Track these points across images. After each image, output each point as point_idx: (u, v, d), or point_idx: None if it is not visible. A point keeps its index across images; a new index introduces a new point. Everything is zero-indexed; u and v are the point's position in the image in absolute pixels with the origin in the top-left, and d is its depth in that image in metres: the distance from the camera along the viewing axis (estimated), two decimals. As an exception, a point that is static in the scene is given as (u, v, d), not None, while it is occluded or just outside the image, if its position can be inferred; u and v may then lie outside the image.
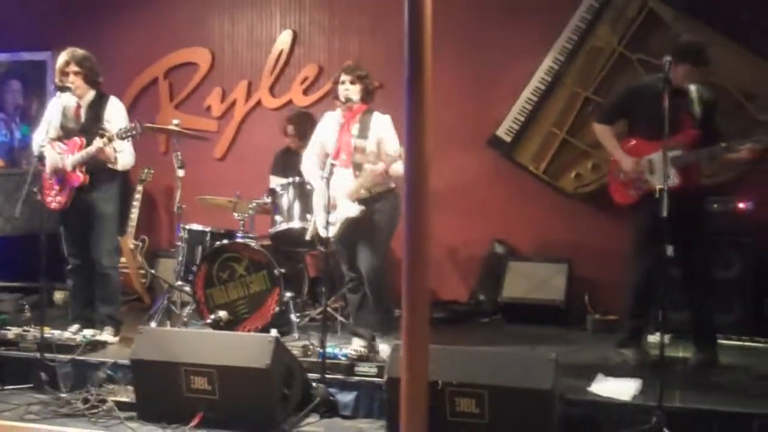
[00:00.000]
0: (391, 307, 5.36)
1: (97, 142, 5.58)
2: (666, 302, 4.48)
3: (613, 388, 4.54)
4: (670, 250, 4.45)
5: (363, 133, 5.32)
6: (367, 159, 5.28)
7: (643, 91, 5.28)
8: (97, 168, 5.73)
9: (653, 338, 5.46)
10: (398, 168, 5.06)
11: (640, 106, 5.25)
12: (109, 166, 5.75)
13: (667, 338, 4.69)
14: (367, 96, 5.39)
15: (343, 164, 5.29)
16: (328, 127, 5.44)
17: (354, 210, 5.25)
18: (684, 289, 5.29)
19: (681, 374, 4.98)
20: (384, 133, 5.30)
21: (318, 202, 5.36)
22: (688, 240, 5.02)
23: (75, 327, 5.81)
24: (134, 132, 5.57)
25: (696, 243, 5.15)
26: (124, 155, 5.76)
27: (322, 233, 5.16)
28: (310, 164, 5.52)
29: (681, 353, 5.51)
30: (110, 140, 5.60)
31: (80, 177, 5.70)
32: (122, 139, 5.61)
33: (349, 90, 5.32)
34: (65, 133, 5.80)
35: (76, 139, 5.73)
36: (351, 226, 5.28)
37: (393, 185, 5.34)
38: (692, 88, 5.19)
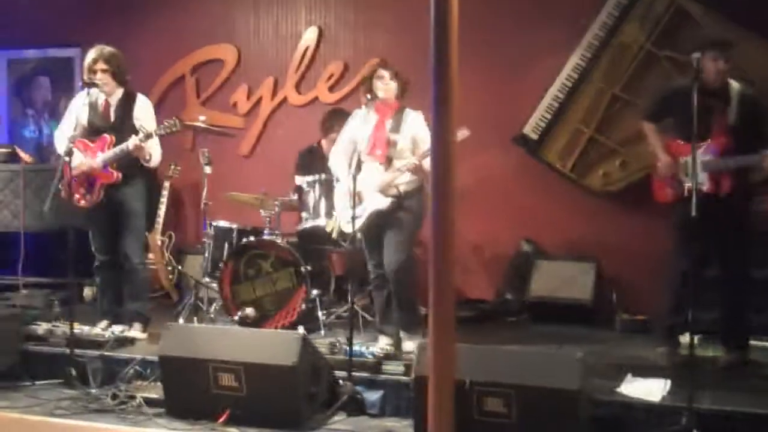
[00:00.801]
0: (418, 306, 5.35)
1: (134, 139, 5.61)
2: (697, 302, 4.43)
3: (642, 388, 4.51)
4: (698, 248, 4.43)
5: (396, 128, 5.34)
6: (399, 154, 5.29)
7: (679, 91, 5.20)
8: (128, 165, 5.76)
9: (683, 338, 5.41)
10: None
11: (678, 106, 5.18)
12: (143, 163, 5.78)
13: (697, 338, 4.65)
14: (403, 93, 5.39)
15: (378, 159, 5.31)
16: (359, 123, 5.41)
17: (383, 202, 5.27)
18: (721, 290, 5.24)
19: (711, 375, 4.93)
20: (418, 129, 5.31)
21: (342, 198, 5.36)
22: (728, 241, 4.98)
23: (104, 323, 5.85)
24: (174, 128, 5.62)
25: (736, 244, 5.10)
26: (155, 152, 5.80)
27: (346, 229, 5.17)
28: (339, 160, 5.52)
29: (711, 353, 5.46)
30: (149, 137, 5.64)
31: (113, 174, 5.74)
32: (162, 135, 5.65)
33: (389, 85, 5.33)
34: (92, 130, 5.83)
35: (106, 136, 5.76)
36: (378, 221, 5.29)
37: (422, 184, 5.33)
38: (734, 90, 5.09)
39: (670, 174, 5.20)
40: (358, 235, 5.36)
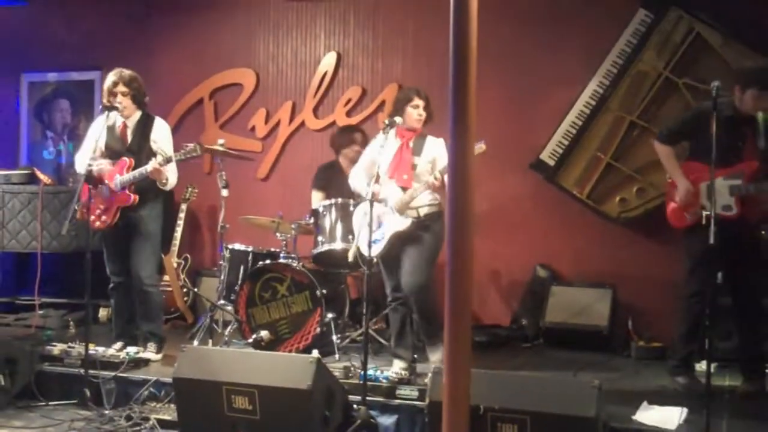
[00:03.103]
0: (439, 317, 5.31)
1: (153, 162, 5.64)
2: (713, 330, 4.40)
3: (658, 416, 4.47)
4: (719, 277, 4.40)
5: (417, 152, 5.37)
6: (418, 178, 5.31)
7: (704, 115, 5.10)
8: (145, 187, 5.80)
9: (699, 366, 5.37)
10: None
11: (703, 129, 5.12)
12: (159, 186, 5.81)
13: (713, 367, 4.61)
14: (429, 119, 5.44)
15: (403, 183, 5.32)
16: (379, 148, 5.34)
17: (403, 223, 5.27)
18: (734, 318, 5.21)
19: (728, 404, 4.89)
20: (438, 152, 5.34)
21: (361, 220, 5.36)
22: (744, 269, 4.96)
23: (119, 344, 5.86)
24: (194, 154, 5.65)
25: (751, 272, 5.08)
26: (172, 175, 5.84)
27: (366, 252, 5.17)
28: (360, 177, 5.53)
29: (728, 382, 5.42)
30: (168, 161, 5.67)
31: (130, 197, 5.76)
32: (182, 160, 5.69)
33: (422, 115, 5.39)
34: (110, 153, 5.87)
35: (125, 159, 5.80)
36: (397, 243, 5.30)
37: (442, 208, 5.33)
38: (760, 116, 5.06)
39: (689, 200, 5.17)
40: (375, 259, 5.35)
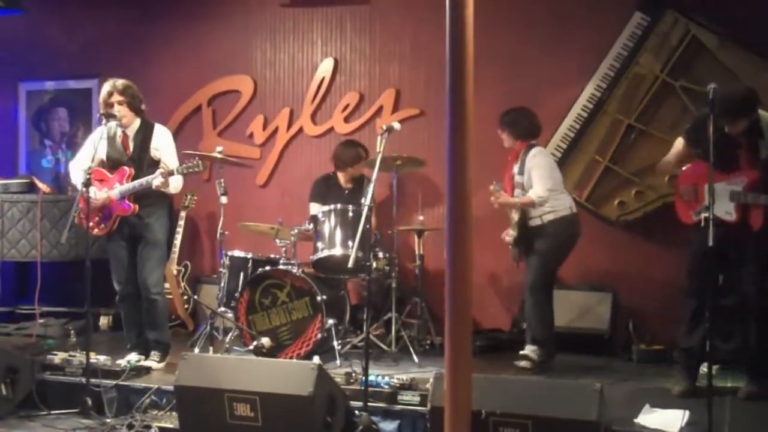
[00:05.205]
0: (542, 322, 5.95)
1: (156, 179, 5.63)
2: (714, 332, 4.39)
3: (660, 419, 4.47)
4: (720, 279, 4.39)
5: (521, 170, 5.93)
6: (522, 188, 5.90)
7: (704, 120, 5.17)
8: (150, 196, 5.79)
9: (701, 369, 5.37)
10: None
11: (702, 134, 5.12)
12: (162, 189, 5.79)
13: (715, 369, 4.61)
14: (520, 135, 5.98)
15: (510, 194, 5.98)
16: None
17: (508, 234, 5.98)
18: (739, 320, 5.20)
19: (730, 406, 4.88)
20: (532, 161, 5.89)
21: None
22: (751, 271, 4.96)
23: (133, 355, 5.85)
24: (196, 169, 5.64)
25: (756, 276, 5.08)
26: (175, 180, 5.82)
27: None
28: None
29: (729, 384, 5.41)
30: (170, 174, 5.67)
31: (130, 206, 5.76)
32: (183, 175, 5.68)
33: (502, 137, 6.04)
34: (112, 164, 5.87)
35: (125, 168, 5.80)
36: (523, 246, 5.97)
37: (566, 213, 5.90)
38: (764, 121, 5.07)
39: (693, 198, 5.21)
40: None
